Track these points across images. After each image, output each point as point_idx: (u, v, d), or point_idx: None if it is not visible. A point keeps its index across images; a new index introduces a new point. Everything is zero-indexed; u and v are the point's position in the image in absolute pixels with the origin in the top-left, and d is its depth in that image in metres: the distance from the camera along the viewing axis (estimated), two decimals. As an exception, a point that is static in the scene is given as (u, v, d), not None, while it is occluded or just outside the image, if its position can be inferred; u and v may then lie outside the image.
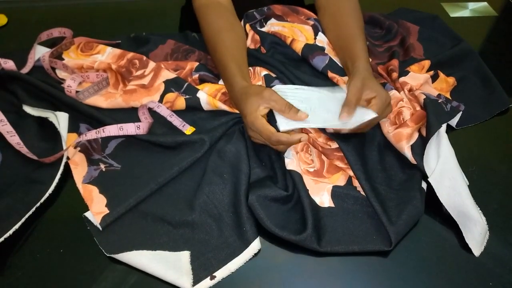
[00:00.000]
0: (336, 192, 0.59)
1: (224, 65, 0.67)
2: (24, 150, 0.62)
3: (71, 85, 0.69)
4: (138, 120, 0.67)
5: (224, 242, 0.54)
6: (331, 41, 0.75)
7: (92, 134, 0.63)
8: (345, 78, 0.70)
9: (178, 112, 0.68)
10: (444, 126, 0.63)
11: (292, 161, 0.60)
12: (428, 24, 0.88)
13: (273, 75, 0.71)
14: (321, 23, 0.79)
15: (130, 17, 0.95)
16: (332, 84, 0.70)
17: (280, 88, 0.65)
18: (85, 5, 0.99)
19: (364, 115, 0.59)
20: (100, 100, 0.70)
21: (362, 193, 0.58)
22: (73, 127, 0.66)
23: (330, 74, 0.70)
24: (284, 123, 0.58)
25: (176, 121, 0.67)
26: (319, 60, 0.72)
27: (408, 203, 0.55)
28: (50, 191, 0.58)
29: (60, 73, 0.76)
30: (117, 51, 0.77)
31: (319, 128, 0.64)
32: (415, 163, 0.59)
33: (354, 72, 0.63)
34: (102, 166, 0.62)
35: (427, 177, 0.58)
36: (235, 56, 0.68)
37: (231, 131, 0.65)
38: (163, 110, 0.67)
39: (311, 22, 0.79)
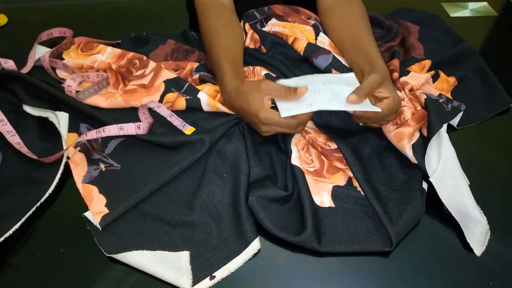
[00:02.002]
0: (336, 192, 0.59)
1: (217, 63, 0.66)
2: (24, 150, 0.62)
3: (71, 85, 0.69)
4: (138, 120, 0.67)
5: (224, 242, 0.54)
6: (341, 42, 0.74)
7: (92, 134, 0.63)
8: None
9: (178, 112, 0.68)
10: (445, 126, 0.63)
11: (297, 157, 0.60)
12: (428, 24, 0.88)
13: (274, 75, 0.71)
14: (326, 25, 0.77)
15: (130, 17, 0.96)
16: None
17: (283, 82, 0.64)
18: (85, 5, 0.99)
19: (368, 106, 0.58)
20: (100, 100, 0.70)
21: (363, 193, 0.58)
22: (73, 127, 0.66)
23: (334, 72, 0.70)
24: (286, 109, 0.57)
25: (176, 121, 0.66)
26: (322, 59, 0.71)
27: (409, 204, 0.55)
28: (50, 191, 0.59)
29: (60, 73, 0.76)
30: (117, 51, 0.77)
31: (319, 125, 0.64)
32: (416, 162, 0.59)
33: (376, 70, 0.62)
34: (102, 166, 0.62)
35: (428, 178, 0.58)
36: (229, 55, 0.67)
37: (230, 131, 0.65)
38: (163, 110, 0.67)
39: (312, 22, 0.79)
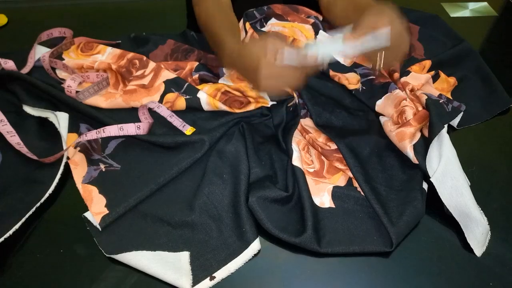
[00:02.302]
0: (336, 193, 0.59)
1: (217, 35, 0.66)
2: (24, 150, 0.62)
3: (71, 85, 0.69)
4: (138, 120, 0.67)
5: (224, 242, 0.54)
6: (350, 23, 0.72)
7: (92, 134, 0.63)
8: (347, 75, 0.69)
9: (178, 112, 0.68)
10: (445, 126, 0.63)
11: (298, 158, 0.60)
12: (429, 24, 0.88)
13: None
14: (333, 19, 0.75)
15: (130, 17, 0.96)
16: (333, 83, 0.70)
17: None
18: (85, 5, 0.99)
19: (372, 40, 0.55)
20: (100, 100, 0.70)
21: (363, 193, 0.58)
22: (73, 127, 0.66)
23: (332, 73, 0.70)
24: (288, 56, 0.54)
25: (176, 122, 0.66)
26: None
27: (409, 204, 0.55)
28: (50, 191, 0.58)
29: (60, 73, 0.76)
30: (117, 51, 0.77)
31: (319, 124, 0.64)
32: (417, 163, 0.59)
33: (370, 4, 0.60)
34: (102, 166, 0.62)
35: (428, 178, 0.58)
36: (227, 26, 0.67)
37: (231, 131, 0.65)
38: (163, 111, 0.67)
39: (312, 20, 0.79)
